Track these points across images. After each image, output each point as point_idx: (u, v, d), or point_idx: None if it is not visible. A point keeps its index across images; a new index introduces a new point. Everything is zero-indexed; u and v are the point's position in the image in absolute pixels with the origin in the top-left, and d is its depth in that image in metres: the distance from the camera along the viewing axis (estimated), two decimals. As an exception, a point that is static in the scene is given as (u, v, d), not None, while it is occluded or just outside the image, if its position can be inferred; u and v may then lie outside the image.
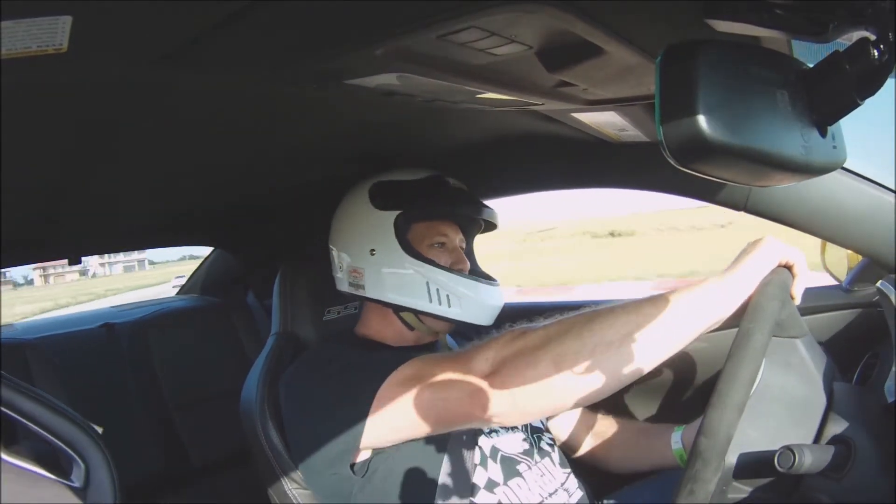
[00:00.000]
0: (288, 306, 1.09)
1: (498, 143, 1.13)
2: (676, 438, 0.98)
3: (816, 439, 0.68)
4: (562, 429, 1.11)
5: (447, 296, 0.92)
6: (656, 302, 0.69)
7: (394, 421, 0.78)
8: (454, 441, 0.85)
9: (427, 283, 0.91)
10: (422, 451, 0.82)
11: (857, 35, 0.42)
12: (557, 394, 0.70)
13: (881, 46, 0.40)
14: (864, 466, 0.65)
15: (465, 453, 0.85)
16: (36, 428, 0.60)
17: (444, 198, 0.97)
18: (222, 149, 0.90)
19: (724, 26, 0.43)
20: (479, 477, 0.84)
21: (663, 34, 0.53)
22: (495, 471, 0.86)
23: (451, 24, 0.49)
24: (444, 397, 0.75)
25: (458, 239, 1.00)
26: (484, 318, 0.95)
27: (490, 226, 1.05)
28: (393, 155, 1.03)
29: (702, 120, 0.41)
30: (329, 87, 0.64)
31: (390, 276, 0.93)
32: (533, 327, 0.74)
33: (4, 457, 0.58)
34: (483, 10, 0.47)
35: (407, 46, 0.53)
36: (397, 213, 0.93)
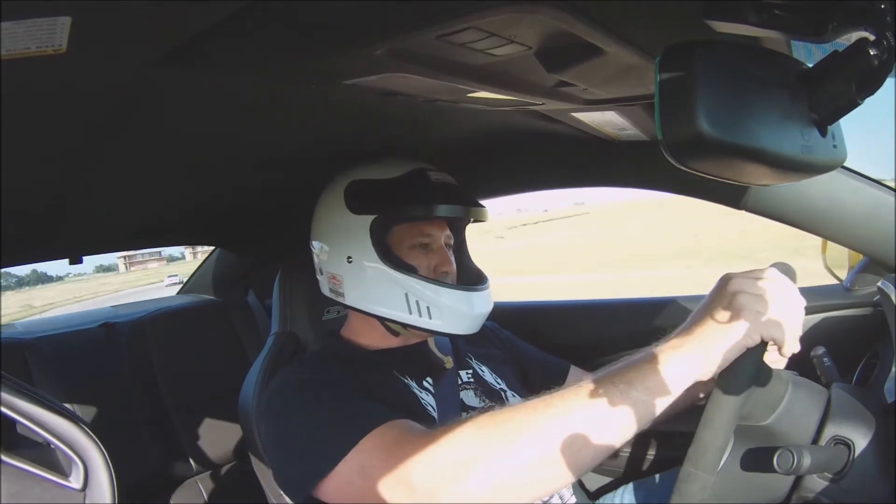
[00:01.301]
0: (287, 306, 1.09)
1: (497, 142, 1.12)
2: None
3: (815, 440, 0.67)
4: None
5: (427, 307, 0.87)
6: (590, 402, 0.62)
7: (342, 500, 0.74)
8: None
9: (406, 295, 0.87)
10: None
11: (856, 35, 0.42)
12: None
13: (880, 46, 0.40)
14: (863, 467, 0.65)
15: None
16: (35, 428, 0.60)
17: (425, 196, 0.89)
18: (222, 148, 0.90)
19: (723, 27, 0.43)
20: None
21: (663, 34, 0.53)
22: None
23: (450, 24, 0.49)
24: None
25: (443, 236, 0.95)
26: (467, 327, 0.90)
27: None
28: (390, 153, 1.03)
29: (701, 119, 0.41)
30: (329, 88, 0.64)
31: (368, 285, 0.89)
32: (461, 428, 0.67)
33: (4, 458, 0.58)
34: (482, 10, 0.47)
35: (406, 47, 0.53)
36: (373, 217, 0.88)
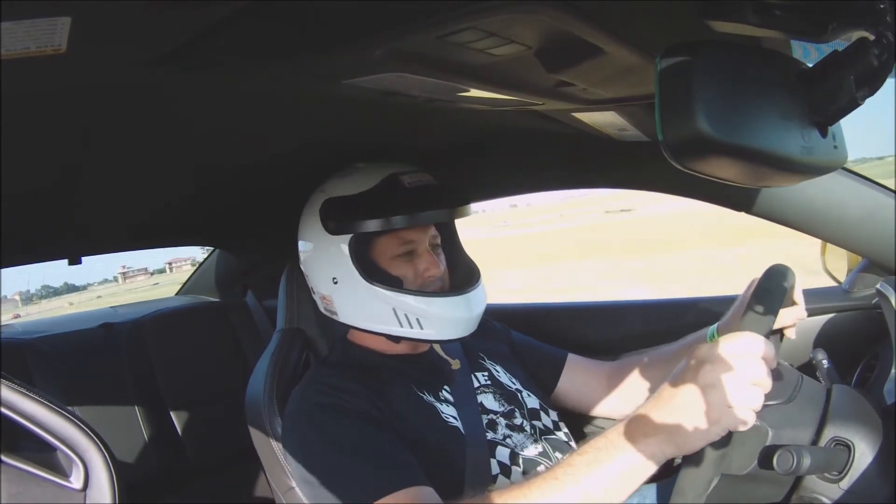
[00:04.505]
0: (294, 303, 1.09)
1: (497, 143, 1.12)
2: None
3: (815, 441, 0.67)
4: (594, 406, 1.09)
5: (416, 319, 0.87)
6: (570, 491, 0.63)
7: None
8: (470, 464, 0.84)
9: (394, 310, 0.87)
10: (435, 482, 0.79)
11: (856, 35, 0.42)
12: None
13: (880, 46, 0.40)
14: (863, 468, 0.65)
15: (483, 470, 0.83)
16: (35, 429, 0.60)
17: (399, 206, 0.87)
18: (221, 148, 0.90)
19: (723, 26, 0.43)
20: (501, 485, 0.82)
21: (663, 34, 0.53)
22: (518, 475, 0.85)
23: (449, 24, 0.49)
24: None
25: (428, 238, 0.93)
26: (460, 331, 0.90)
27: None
28: (389, 153, 1.03)
29: (701, 120, 0.41)
30: (328, 88, 0.64)
31: (357, 304, 0.89)
32: None
33: (4, 458, 0.58)
34: (482, 10, 0.47)
35: (406, 47, 0.53)
36: (350, 236, 0.88)
